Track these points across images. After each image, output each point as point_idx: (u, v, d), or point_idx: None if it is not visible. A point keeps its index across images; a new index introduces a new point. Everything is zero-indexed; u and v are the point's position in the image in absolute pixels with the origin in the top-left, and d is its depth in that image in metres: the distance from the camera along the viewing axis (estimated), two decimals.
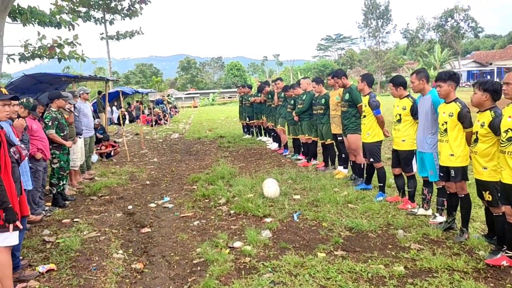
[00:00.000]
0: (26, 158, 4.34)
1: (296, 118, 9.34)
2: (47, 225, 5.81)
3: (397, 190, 6.30)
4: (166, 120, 25.22)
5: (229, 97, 72.71)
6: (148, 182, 8.53)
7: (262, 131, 13.88)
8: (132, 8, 26.75)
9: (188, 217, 6.04)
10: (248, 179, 7.83)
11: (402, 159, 5.77)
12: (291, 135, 10.02)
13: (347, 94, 7.24)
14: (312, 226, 5.40)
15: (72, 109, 7.42)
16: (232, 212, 6.12)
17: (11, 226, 3.45)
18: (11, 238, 3.53)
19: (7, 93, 3.52)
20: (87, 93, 9.03)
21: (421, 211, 5.57)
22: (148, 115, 25.02)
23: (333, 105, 7.90)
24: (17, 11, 9.12)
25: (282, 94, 10.46)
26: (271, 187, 6.65)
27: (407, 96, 5.69)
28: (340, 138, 7.78)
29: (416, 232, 4.94)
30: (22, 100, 5.51)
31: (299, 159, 9.79)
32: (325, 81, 10.54)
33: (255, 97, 13.41)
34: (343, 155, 7.96)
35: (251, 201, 6.39)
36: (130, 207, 6.71)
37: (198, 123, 24.30)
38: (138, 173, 9.47)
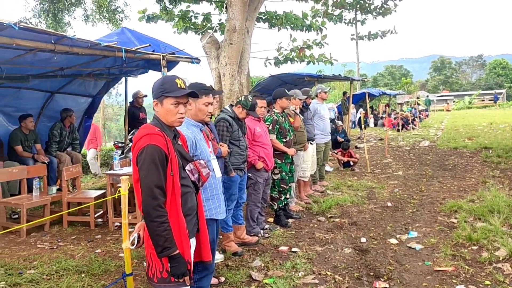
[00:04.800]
0: (215, 177, 3.22)
1: None
2: (261, 251, 4.78)
3: None
4: (415, 125, 22.57)
5: (490, 100, 63.40)
6: (389, 204, 6.77)
7: None
8: (385, 6, 25.28)
9: (446, 273, 4.04)
10: None
11: None
12: None
13: None
14: None
15: (298, 111, 6.30)
16: None
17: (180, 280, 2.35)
18: None
19: (184, 86, 2.40)
20: (325, 92, 7.86)
21: None
22: (394, 118, 22.95)
23: None
24: (274, 17, 9.66)
25: None
26: None
27: None
28: None
29: None
30: (240, 98, 4.60)
31: None
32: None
33: None
34: None
35: None
36: (363, 240, 5.11)
37: (453, 129, 20.82)
38: (378, 189, 7.80)
